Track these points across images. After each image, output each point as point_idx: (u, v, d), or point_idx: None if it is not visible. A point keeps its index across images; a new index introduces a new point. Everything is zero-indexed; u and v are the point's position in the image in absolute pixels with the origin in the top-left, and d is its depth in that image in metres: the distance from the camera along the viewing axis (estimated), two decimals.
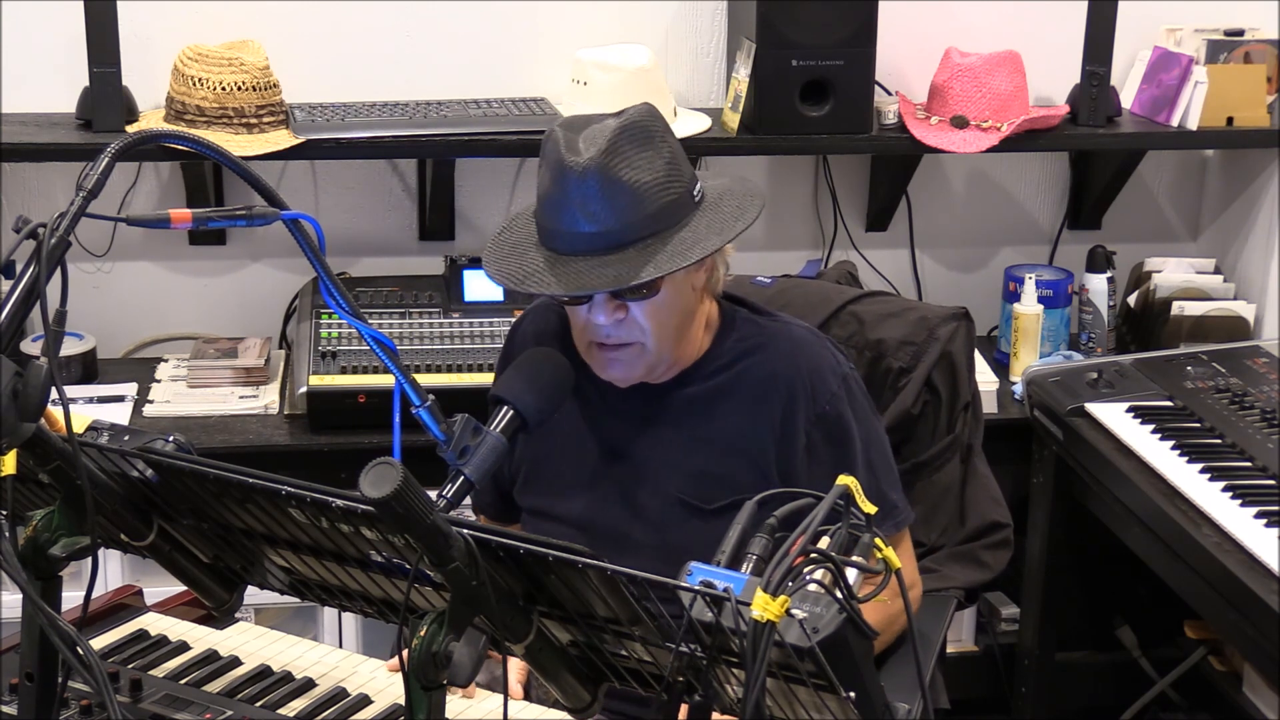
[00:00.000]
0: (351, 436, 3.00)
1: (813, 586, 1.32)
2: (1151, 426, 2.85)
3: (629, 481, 2.14)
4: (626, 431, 2.15)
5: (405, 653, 1.42)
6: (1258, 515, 2.52)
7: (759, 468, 2.08)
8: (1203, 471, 2.67)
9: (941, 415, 2.41)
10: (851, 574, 1.36)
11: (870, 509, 1.41)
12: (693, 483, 2.10)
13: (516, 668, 2.04)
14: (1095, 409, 2.94)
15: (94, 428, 1.65)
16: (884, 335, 2.43)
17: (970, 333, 2.47)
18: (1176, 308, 3.43)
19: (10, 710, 1.73)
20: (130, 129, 3.14)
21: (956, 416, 2.42)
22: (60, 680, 1.59)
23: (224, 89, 3.11)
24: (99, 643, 1.94)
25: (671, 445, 2.13)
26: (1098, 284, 3.50)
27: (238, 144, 3.06)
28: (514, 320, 3.30)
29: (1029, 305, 3.40)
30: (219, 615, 1.91)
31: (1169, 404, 2.95)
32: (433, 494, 1.44)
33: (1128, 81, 3.54)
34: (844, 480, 1.41)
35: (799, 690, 1.37)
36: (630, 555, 2.04)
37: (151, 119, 3.21)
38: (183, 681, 1.86)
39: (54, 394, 1.41)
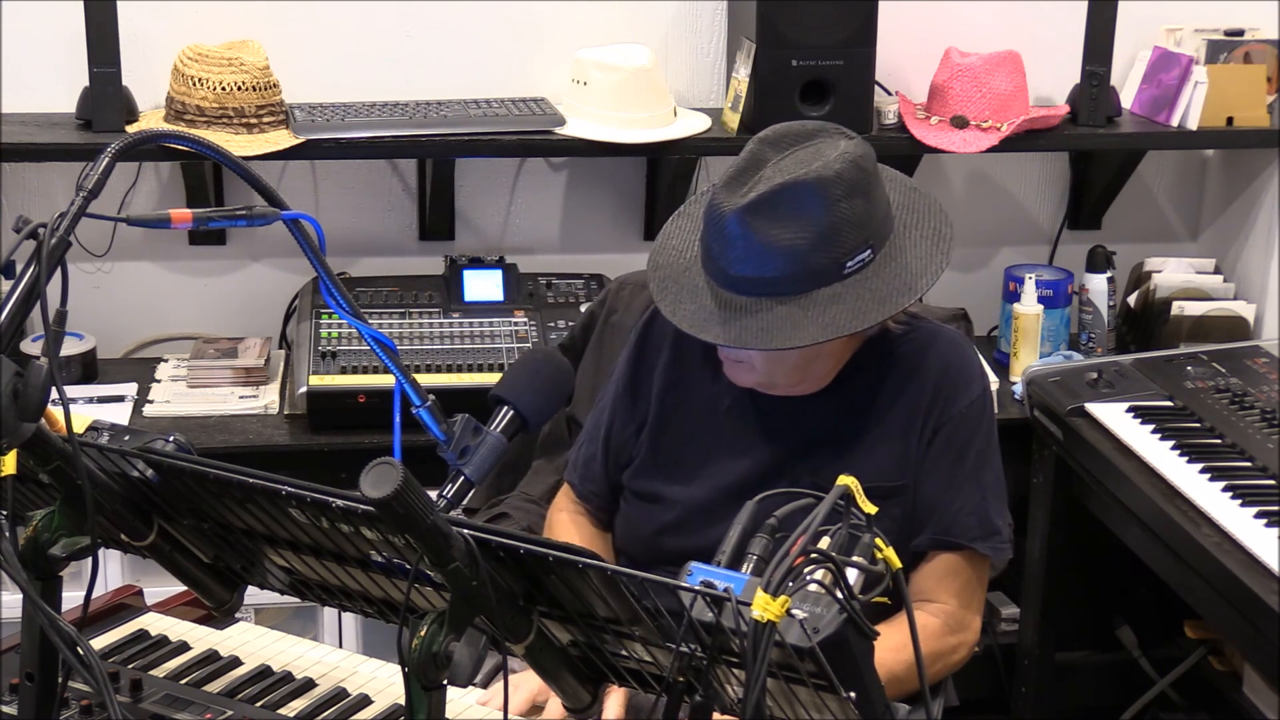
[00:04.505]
0: (351, 436, 3.00)
1: (813, 586, 1.32)
2: (1151, 426, 2.85)
3: (762, 472, 2.12)
4: (766, 424, 2.14)
5: (405, 652, 1.42)
6: (1258, 515, 2.52)
7: (903, 461, 2.10)
8: (1203, 471, 2.67)
9: None
10: (852, 574, 1.36)
11: (870, 509, 1.41)
12: (836, 474, 2.07)
13: (617, 702, 2.00)
14: (1095, 409, 2.94)
15: (94, 428, 1.65)
16: None
17: (969, 334, 2.47)
18: (1176, 308, 3.43)
19: (10, 710, 1.73)
20: (130, 129, 3.14)
21: None
22: (60, 680, 1.59)
23: (224, 89, 3.11)
24: (99, 643, 1.94)
25: (811, 440, 2.12)
26: (1098, 284, 3.50)
27: (238, 144, 3.06)
28: (513, 321, 3.33)
29: (1029, 305, 3.40)
30: (219, 615, 1.90)
31: (1169, 404, 2.95)
32: (433, 494, 1.44)
33: (1128, 81, 3.54)
34: (844, 480, 1.41)
35: (799, 690, 1.37)
36: None
37: (151, 119, 3.21)
38: (183, 681, 1.86)
39: (54, 394, 1.41)
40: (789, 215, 1.93)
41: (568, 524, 2.29)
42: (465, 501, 1.78)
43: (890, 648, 1.58)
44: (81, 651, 1.43)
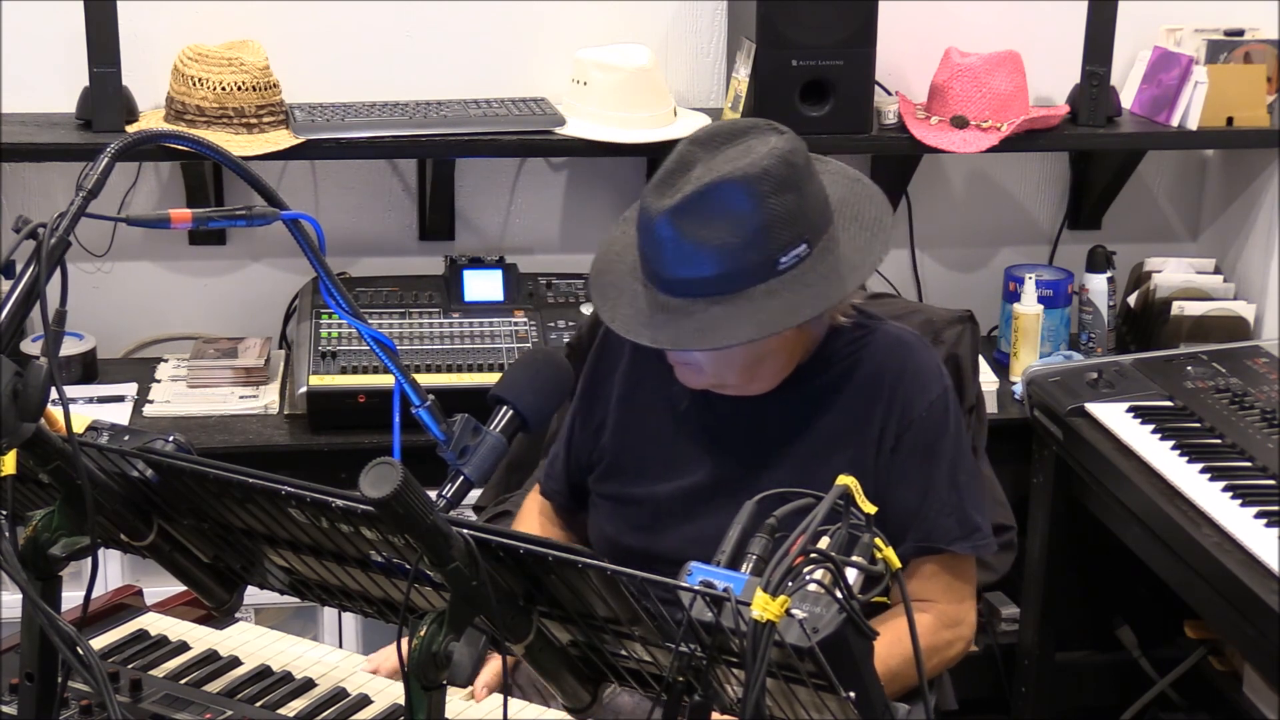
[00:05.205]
0: (351, 436, 3.01)
1: (813, 586, 1.32)
2: (1151, 426, 2.85)
3: (722, 474, 2.13)
4: (725, 426, 2.14)
5: (405, 652, 1.42)
6: (1258, 515, 2.52)
7: (858, 467, 2.08)
8: (1203, 471, 2.67)
9: None
10: (851, 574, 1.36)
11: (870, 509, 1.41)
12: (791, 476, 2.05)
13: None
14: (1095, 409, 2.94)
15: (94, 428, 1.65)
16: None
17: (975, 336, 2.46)
18: (1176, 308, 3.43)
19: (10, 710, 1.73)
20: (130, 129, 3.14)
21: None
22: (60, 680, 1.59)
23: (224, 89, 3.11)
24: (99, 643, 1.94)
25: (771, 441, 2.12)
26: (1098, 284, 3.51)
27: (238, 144, 3.06)
28: (513, 321, 3.33)
29: (1029, 305, 3.40)
30: (219, 615, 1.91)
31: (1169, 404, 2.95)
32: (433, 494, 1.44)
33: (1128, 81, 3.54)
34: (844, 480, 1.41)
35: (799, 690, 1.37)
36: (710, 546, 2.04)
37: (151, 119, 3.21)
38: (183, 681, 1.86)
39: (54, 394, 1.41)
40: (718, 215, 1.91)
41: (531, 516, 2.33)
42: (470, 500, 1.78)
43: (885, 643, 1.58)
44: (81, 651, 1.43)
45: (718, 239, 1.91)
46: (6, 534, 1.49)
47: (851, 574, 1.36)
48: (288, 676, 1.89)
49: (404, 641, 1.42)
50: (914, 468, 2.08)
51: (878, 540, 1.39)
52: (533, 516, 2.33)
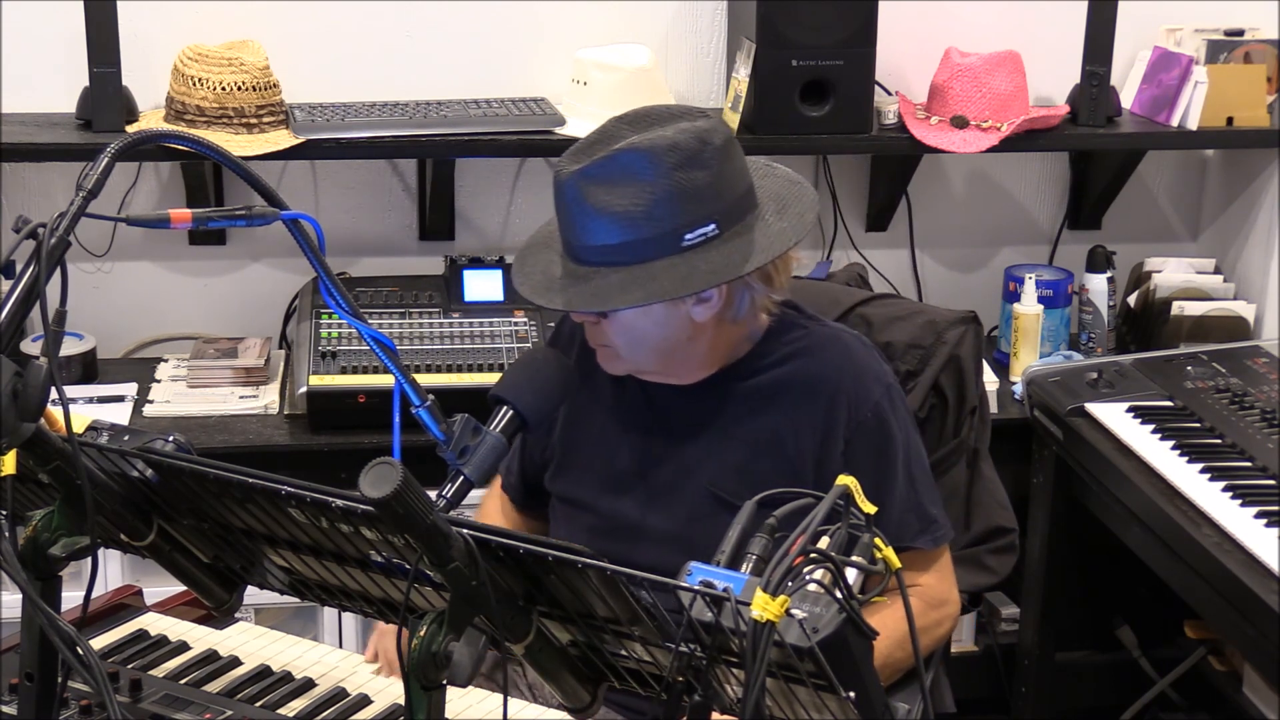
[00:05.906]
0: (351, 436, 3.00)
1: (813, 586, 1.33)
2: (1151, 426, 2.85)
3: (662, 473, 2.14)
4: (664, 424, 2.15)
5: (405, 652, 1.42)
6: (1258, 515, 2.52)
7: (795, 469, 2.07)
8: (1203, 471, 2.67)
9: (948, 419, 2.41)
10: (851, 574, 1.37)
11: (870, 509, 1.41)
12: (726, 476, 2.09)
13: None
14: (1095, 409, 2.94)
15: (94, 428, 1.65)
16: (892, 338, 2.42)
17: (978, 337, 2.46)
18: (1176, 308, 3.43)
19: (10, 710, 1.73)
20: (130, 129, 3.14)
21: (963, 420, 2.42)
22: (60, 680, 1.59)
23: (224, 89, 3.11)
24: (99, 643, 1.94)
25: (709, 440, 2.12)
26: (1098, 284, 3.51)
27: (238, 144, 3.06)
28: (513, 321, 3.33)
29: (1029, 305, 3.40)
30: (219, 615, 1.91)
31: (1169, 404, 2.95)
32: (433, 494, 1.44)
33: (1128, 81, 3.54)
34: (844, 480, 1.41)
35: (799, 690, 1.37)
36: (654, 545, 2.04)
37: (151, 119, 3.21)
38: (183, 681, 1.87)
39: (54, 394, 1.41)
40: (623, 182, 1.93)
41: (493, 511, 2.37)
42: (474, 499, 1.78)
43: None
44: (81, 651, 1.43)
45: (620, 206, 1.93)
46: (6, 534, 1.49)
47: (851, 574, 1.36)
48: (288, 676, 1.89)
49: (404, 641, 1.42)
50: (868, 470, 2.06)
51: (877, 540, 1.39)
52: (495, 513, 2.36)
